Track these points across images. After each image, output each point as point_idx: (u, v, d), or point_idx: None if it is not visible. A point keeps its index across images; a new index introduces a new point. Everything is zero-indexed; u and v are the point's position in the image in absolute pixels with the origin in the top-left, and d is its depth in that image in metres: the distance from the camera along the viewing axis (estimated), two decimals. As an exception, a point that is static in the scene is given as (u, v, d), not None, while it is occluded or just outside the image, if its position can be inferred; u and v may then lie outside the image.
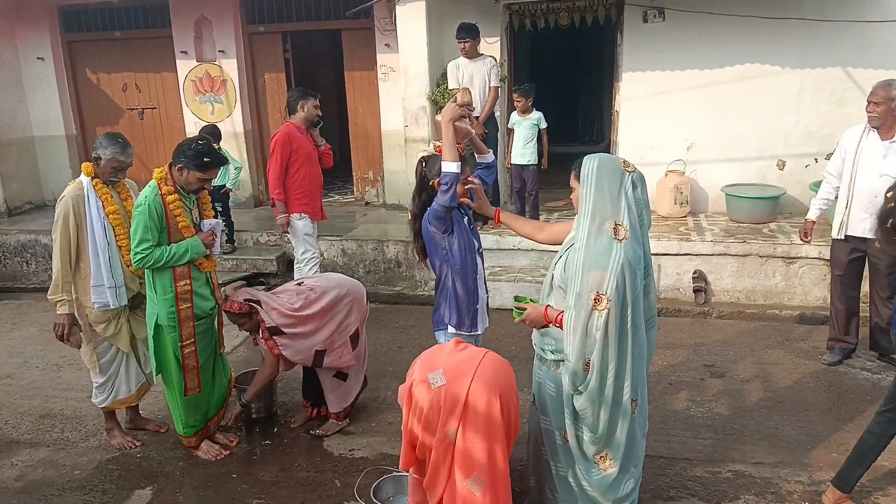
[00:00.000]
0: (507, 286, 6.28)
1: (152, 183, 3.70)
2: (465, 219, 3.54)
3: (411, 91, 7.27)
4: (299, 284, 4.22)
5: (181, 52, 8.62)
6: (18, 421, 4.59)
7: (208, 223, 3.89)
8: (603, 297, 2.60)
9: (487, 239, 6.67)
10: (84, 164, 3.88)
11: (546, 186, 7.59)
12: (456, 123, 3.36)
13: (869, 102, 4.48)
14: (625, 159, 2.76)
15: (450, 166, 3.25)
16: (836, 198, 4.80)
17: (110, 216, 3.85)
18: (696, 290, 6.14)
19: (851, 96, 6.57)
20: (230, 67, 8.57)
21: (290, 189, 5.62)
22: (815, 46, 6.59)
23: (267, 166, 5.79)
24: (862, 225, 4.62)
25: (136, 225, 3.61)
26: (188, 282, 3.77)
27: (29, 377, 5.29)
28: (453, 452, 2.73)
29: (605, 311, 2.61)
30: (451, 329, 3.50)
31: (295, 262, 5.94)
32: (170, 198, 3.68)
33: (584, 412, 2.75)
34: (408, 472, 3.00)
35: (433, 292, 3.66)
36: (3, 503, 3.68)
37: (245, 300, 4.03)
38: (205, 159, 3.65)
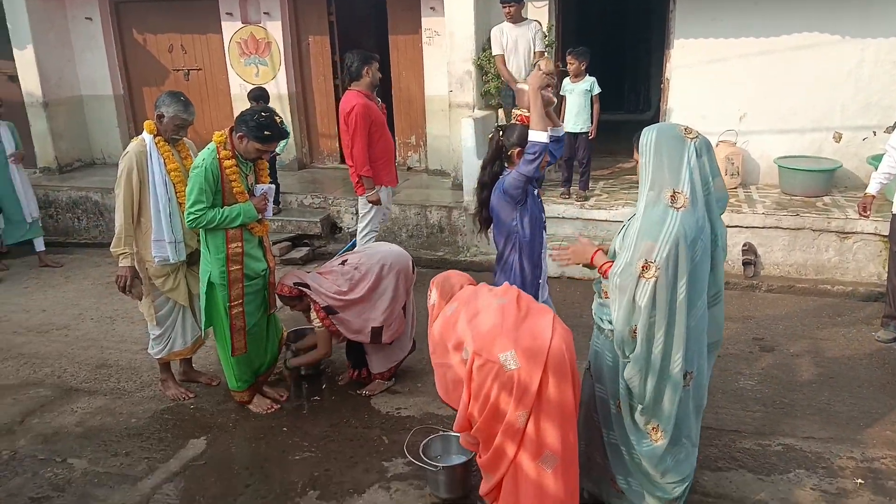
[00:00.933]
0: (551, 254, 6.24)
1: (211, 145, 3.74)
2: (536, 191, 3.48)
3: (456, 55, 7.19)
4: (343, 263, 4.24)
5: (226, 13, 8.63)
6: (76, 370, 4.74)
7: (261, 188, 3.92)
8: (651, 265, 2.57)
9: (532, 206, 6.62)
10: (146, 123, 3.94)
11: (592, 154, 7.47)
12: (542, 91, 3.31)
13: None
14: (687, 126, 2.70)
15: (539, 135, 3.21)
16: (899, 171, 4.65)
17: (171, 173, 3.92)
18: (745, 263, 6.04)
19: (916, 67, 6.33)
20: (275, 29, 8.56)
21: (372, 161, 5.47)
22: (876, 14, 6.33)
23: (344, 140, 5.58)
24: (926, 199, 4.48)
25: (192, 186, 3.67)
26: (240, 244, 3.82)
27: (84, 329, 5.44)
28: (522, 438, 2.68)
29: (653, 279, 2.57)
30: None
31: (358, 232, 5.90)
32: (227, 162, 3.71)
33: (631, 380, 2.73)
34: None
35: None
36: (65, 447, 3.82)
37: (294, 283, 4.10)
38: (265, 132, 3.65)
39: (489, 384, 2.65)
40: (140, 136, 3.94)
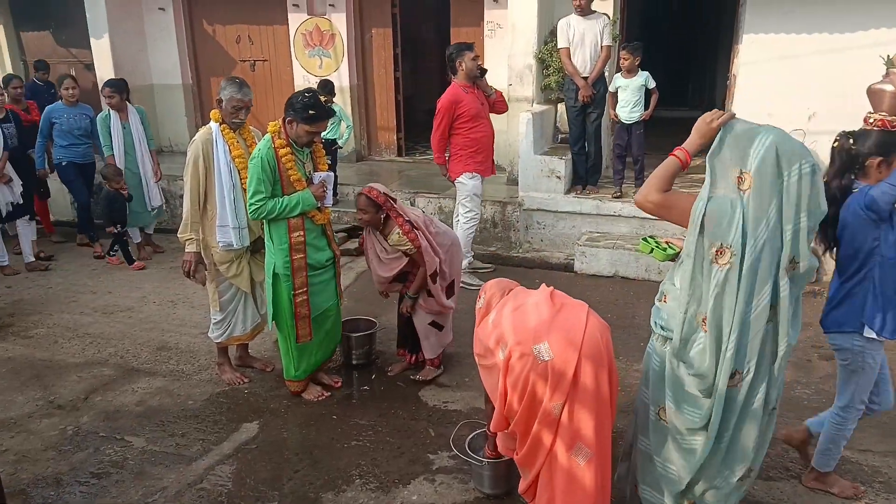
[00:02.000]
0: (605, 252, 6.18)
1: (267, 136, 3.85)
2: None
3: (518, 48, 7.16)
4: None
5: (293, 5, 8.81)
6: (138, 351, 4.95)
7: (319, 176, 3.98)
8: (727, 250, 2.42)
9: (587, 203, 6.57)
10: (213, 111, 4.07)
11: (651, 151, 7.34)
12: None
13: None
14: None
15: None
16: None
17: (236, 160, 4.04)
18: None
19: None
20: (339, 21, 8.69)
21: (461, 149, 5.76)
22: (962, 10, 6.02)
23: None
24: None
25: (251, 177, 3.76)
26: (301, 233, 3.90)
27: (147, 311, 5.67)
28: (557, 427, 2.72)
29: (727, 266, 2.44)
30: (869, 332, 3.03)
31: (454, 219, 6.09)
32: (282, 150, 3.79)
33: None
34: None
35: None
36: (125, 425, 4.00)
37: (386, 195, 4.14)
38: (310, 112, 3.72)
39: (525, 375, 2.72)
40: (207, 125, 4.08)
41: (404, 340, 4.60)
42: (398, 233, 4.11)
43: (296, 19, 8.88)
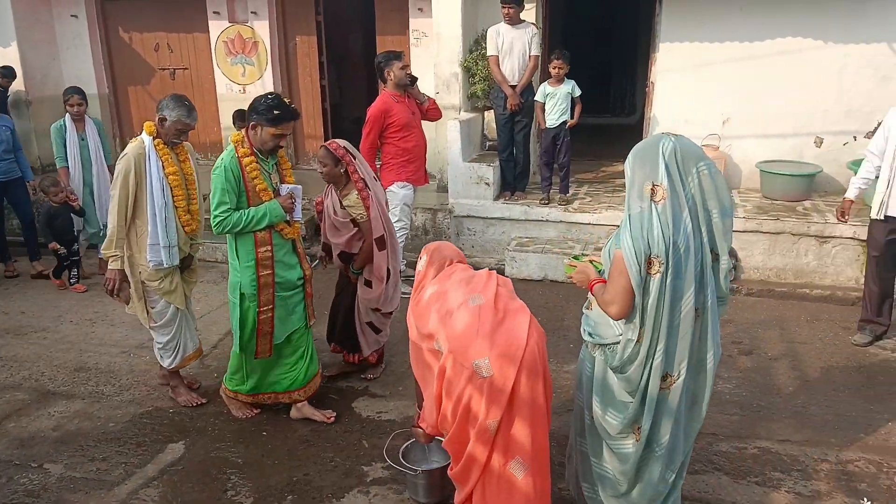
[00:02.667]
0: (535, 257, 6.27)
1: (229, 146, 3.70)
2: None
3: (443, 57, 7.20)
4: None
5: (213, 12, 8.62)
6: (54, 373, 4.71)
7: (286, 188, 3.85)
8: (655, 260, 2.48)
9: (515, 209, 6.65)
10: (146, 124, 3.89)
11: (576, 158, 7.51)
12: None
13: (917, 79, 4.36)
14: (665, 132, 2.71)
15: None
16: (877, 177, 4.70)
17: (169, 177, 3.88)
18: (725, 267, 6.07)
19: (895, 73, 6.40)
20: (262, 29, 8.56)
21: (392, 158, 5.71)
22: (860, 21, 6.39)
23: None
24: (903, 206, 4.52)
25: (214, 188, 3.61)
26: (269, 248, 3.76)
27: (63, 331, 5.41)
28: (493, 443, 2.70)
29: (658, 275, 2.50)
30: None
31: None
32: (246, 160, 3.66)
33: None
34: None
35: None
36: (41, 452, 3.80)
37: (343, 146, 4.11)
38: (275, 112, 3.59)
39: (462, 386, 2.68)
40: (139, 138, 3.88)
41: (332, 332, 4.56)
42: (355, 194, 4.09)
43: (217, 27, 8.69)
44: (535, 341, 2.72)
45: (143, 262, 3.93)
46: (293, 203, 3.84)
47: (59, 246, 6.18)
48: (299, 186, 3.94)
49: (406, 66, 5.63)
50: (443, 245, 3.17)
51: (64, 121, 6.29)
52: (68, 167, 6.29)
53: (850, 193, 4.92)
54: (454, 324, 2.73)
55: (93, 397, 4.39)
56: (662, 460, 2.75)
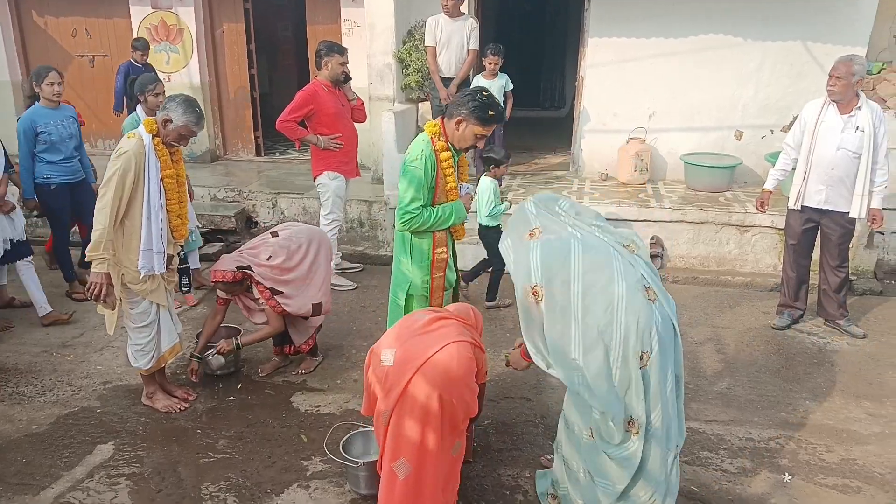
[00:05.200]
0: (471, 248, 6.30)
1: (424, 136, 3.42)
2: None
3: (377, 48, 7.16)
4: (273, 234, 4.27)
5: (135, -3, 8.28)
6: (-31, 375, 4.45)
7: (466, 187, 3.64)
8: (537, 288, 2.67)
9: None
10: (147, 121, 3.64)
11: (509, 150, 7.59)
12: None
13: (830, 77, 4.60)
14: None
15: None
16: (794, 169, 4.94)
17: (165, 179, 3.67)
18: (653, 256, 6.28)
19: (810, 70, 6.74)
20: (187, 16, 8.29)
21: (326, 149, 5.59)
22: (777, 20, 6.70)
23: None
24: (818, 196, 4.78)
25: (409, 181, 3.34)
26: (445, 249, 3.55)
27: (-22, 331, 5.11)
28: (386, 431, 2.79)
29: (542, 301, 2.68)
30: None
31: (320, 222, 5.89)
32: (443, 154, 3.40)
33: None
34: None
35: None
36: (-43, 457, 3.59)
37: (238, 267, 4.05)
38: (490, 112, 3.33)
39: (370, 373, 2.86)
40: (136, 134, 3.61)
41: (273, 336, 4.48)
42: (261, 298, 4.11)
43: (139, 13, 8.36)
44: (450, 356, 2.73)
45: (127, 263, 3.67)
46: (471, 204, 3.67)
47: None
48: (471, 186, 3.73)
49: (345, 63, 5.55)
50: None
51: (138, 115, 5.33)
52: None
53: (769, 184, 5.17)
54: (396, 328, 2.98)
55: (13, 399, 4.17)
56: (661, 443, 2.73)
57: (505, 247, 2.86)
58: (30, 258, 5.19)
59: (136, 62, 7.62)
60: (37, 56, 8.93)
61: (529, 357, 2.90)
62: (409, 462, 2.74)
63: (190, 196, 5.60)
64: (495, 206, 5.29)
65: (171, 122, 3.61)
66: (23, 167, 5.15)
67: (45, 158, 5.18)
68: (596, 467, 2.84)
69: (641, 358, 2.62)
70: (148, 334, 3.88)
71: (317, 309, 4.26)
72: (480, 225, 5.42)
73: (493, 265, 5.45)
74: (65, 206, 5.41)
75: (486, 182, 5.29)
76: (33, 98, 5.22)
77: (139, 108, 5.27)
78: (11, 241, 5.07)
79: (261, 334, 4.27)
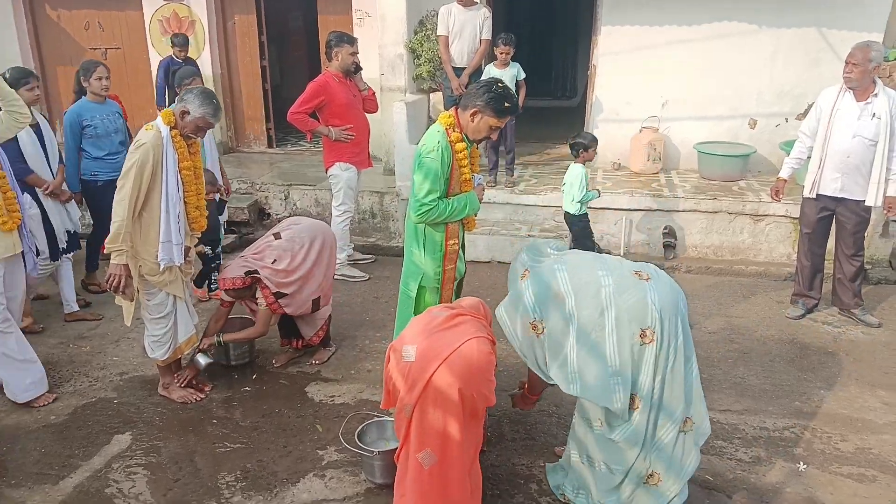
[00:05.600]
0: (483, 239, 6.32)
1: (439, 127, 3.40)
2: None
3: (388, 38, 7.14)
4: (276, 236, 4.24)
5: (147, -11, 8.30)
6: (-12, 366, 4.50)
7: (478, 178, 3.65)
8: (537, 323, 2.88)
9: (463, 191, 6.66)
10: (165, 112, 3.65)
11: (521, 141, 7.58)
12: None
13: (847, 63, 4.55)
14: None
15: None
16: (809, 157, 4.90)
17: (183, 171, 3.69)
18: (665, 246, 6.26)
19: (825, 57, 6.66)
20: (199, 8, 8.29)
21: (337, 140, 5.59)
22: (791, 6, 6.62)
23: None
24: (833, 184, 4.74)
25: (426, 173, 3.33)
26: (457, 241, 3.56)
27: None
28: (409, 424, 2.82)
29: (542, 333, 2.89)
30: None
31: (333, 213, 5.90)
32: (459, 145, 3.39)
33: None
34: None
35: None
36: (-22, 447, 3.64)
37: (246, 273, 4.07)
38: (506, 104, 3.32)
39: (391, 368, 2.88)
40: (154, 125, 3.61)
41: (280, 329, 4.54)
42: (261, 300, 4.13)
43: (151, 4, 8.37)
44: (471, 351, 2.77)
45: (145, 255, 3.70)
46: (483, 195, 3.68)
47: (205, 248, 5.30)
48: (482, 176, 3.75)
49: (355, 53, 5.55)
50: None
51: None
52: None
53: (784, 173, 5.12)
54: (413, 324, 3.02)
55: (31, 390, 4.22)
56: (660, 415, 2.86)
57: (500, 314, 3.06)
58: (71, 253, 5.16)
59: (176, 57, 7.66)
60: (50, 49, 8.99)
61: (534, 393, 3.36)
62: (434, 452, 2.78)
63: (227, 191, 5.66)
64: (586, 193, 5.35)
65: (189, 113, 3.61)
66: (69, 161, 5.15)
67: (91, 154, 5.17)
68: (610, 456, 2.93)
69: (644, 335, 2.74)
70: (165, 325, 3.91)
71: (315, 304, 4.28)
72: (567, 213, 5.52)
73: (584, 249, 5.49)
74: (111, 203, 5.38)
75: (577, 168, 5.38)
76: (80, 93, 5.21)
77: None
78: (68, 232, 5.06)
79: (245, 335, 4.28)
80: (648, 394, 2.79)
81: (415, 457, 2.82)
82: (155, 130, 3.59)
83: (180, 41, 7.64)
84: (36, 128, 4.77)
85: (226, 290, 4.13)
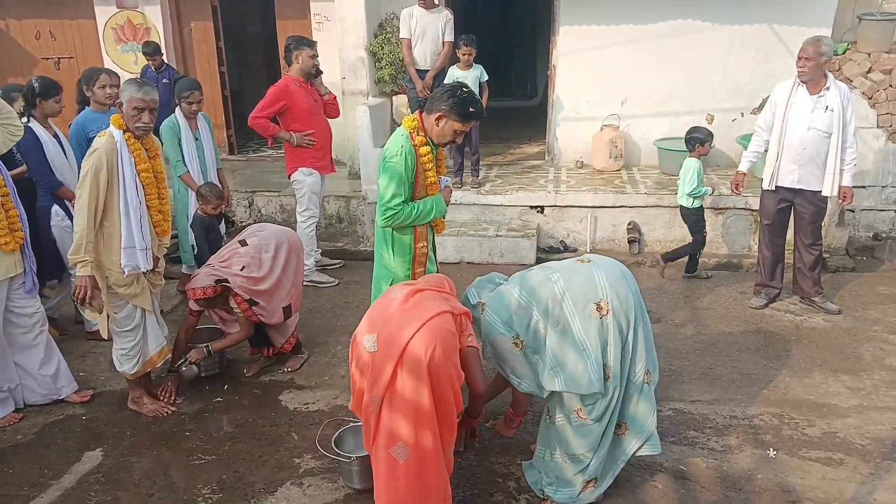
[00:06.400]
0: (451, 240, 6.33)
1: (403, 131, 3.41)
2: None
3: (348, 41, 7.12)
4: (242, 244, 4.20)
5: (99, -4, 8.14)
6: (-52, 387, 4.36)
7: (445, 180, 3.64)
8: (517, 339, 3.07)
9: (429, 193, 6.67)
10: (114, 117, 3.59)
11: (485, 141, 7.63)
12: None
13: (799, 58, 4.69)
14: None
15: None
16: (766, 150, 5.03)
17: (141, 174, 3.62)
18: (630, 241, 6.36)
19: (776, 52, 6.84)
20: (154, 15, 8.17)
21: (299, 145, 5.56)
22: (742, 3, 6.79)
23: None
24: (791, 176, 4.88)
25: (390, 177, 3.34)
26: (426, 244, 3.59)
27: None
28: (378, 419, 2.76)
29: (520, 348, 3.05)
30: None
31: (297, 219, 5.85)
32: (423, 149, 3.40)
33: None
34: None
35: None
36: (-59, 472, 3.53)
37: (216, 282, 4.01)
38: (470, 109, 3.33)
39: (353, 362, 2.84)
40: (107, 132, 3.57)
41: (250, 338, 4.45)
42: (237, 308, 4.10)
43: (104, 13, 8.22)
44: (424, 346, 2.68)
45: (110, 265, 3.64)
46: (451, 197, 3.67)
47: None
48: (449, 179, 3.74)
49: (315, 56, 5.52)
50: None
51: (177, 119, 5.30)
52: (189, 171, 5.34)
53: (743, 166, 5.25)
54: (371, 312, 2.95)
55: (-6, 410, 4.11)
56: (630, 376, 3.03)
57: (492, 360, 3.18)
58: None
59: (152, 68, 7.51)
60: (0, 60, 8.75)
61: (518, 414, 3.54)
62: (406, 445, 2.72)
63: (227, 202, 5.60)
64: (698, 186, 5.50)
65: (123, 104, 3.58)
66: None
67: None
68: (590, 442, 3.04)
69: (600, 307, 2.90)
70: (133, 338, 3.84)
71: (287, 311, 4.28)
72: (682, 206, 5.72)
73: (695, 241, 5.72)
74: None
75: (691, 162, 5.56)
76: (83, 103, 5.07)
77: (178, 110, 5.30)
78: None
79: (232, 339, 4.25)
80: (616, 363, 2.93)
81: (386, 452, 2.75)
82: (108, 136, 3.57)
83: (151, 49, 7.47)
84: (57, 139, 4.67)
85: (196, 300, 4.07)
